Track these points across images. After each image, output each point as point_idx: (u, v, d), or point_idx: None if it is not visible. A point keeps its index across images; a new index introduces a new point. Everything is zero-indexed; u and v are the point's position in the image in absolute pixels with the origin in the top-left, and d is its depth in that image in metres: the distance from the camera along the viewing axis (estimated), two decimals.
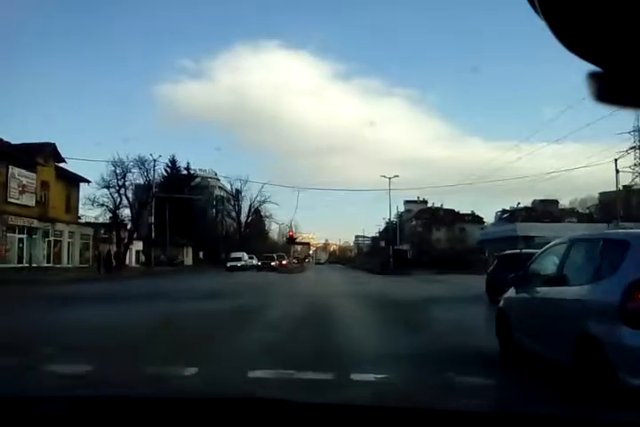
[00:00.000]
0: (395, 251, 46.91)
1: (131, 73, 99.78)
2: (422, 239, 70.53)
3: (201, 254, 61.07)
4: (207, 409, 1.24)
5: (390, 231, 55.42)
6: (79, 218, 41.40)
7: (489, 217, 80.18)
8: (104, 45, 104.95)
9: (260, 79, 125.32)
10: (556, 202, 78.33)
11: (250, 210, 68.94)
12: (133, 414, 1.23)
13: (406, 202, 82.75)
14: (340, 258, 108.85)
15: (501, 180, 54.56)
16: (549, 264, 5.68)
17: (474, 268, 41.14)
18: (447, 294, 17.64)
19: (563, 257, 5.24)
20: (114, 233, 43.17)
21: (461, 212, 79.66)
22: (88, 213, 43.28)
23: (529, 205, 75.92)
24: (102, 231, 42.76)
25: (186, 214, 57.57)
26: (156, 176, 50.82)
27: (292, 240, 49.73)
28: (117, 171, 43.93)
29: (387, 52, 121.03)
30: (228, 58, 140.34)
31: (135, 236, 46.59)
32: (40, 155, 33.86)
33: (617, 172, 44.62)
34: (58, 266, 35.19)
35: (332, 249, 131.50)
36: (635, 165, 57.18)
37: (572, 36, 0.62)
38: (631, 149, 48.28)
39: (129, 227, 46.53)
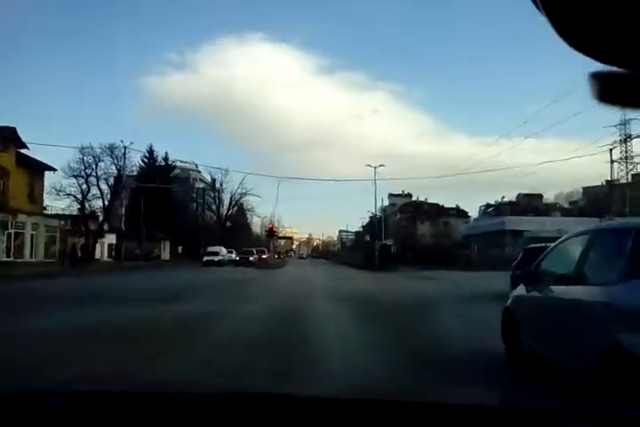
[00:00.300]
0: (380, 246, 44.30)
1: (113, 64, 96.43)
2: (407, 234, 68.17)
3: (179, 249, 57.99)
4: (211, 405, 1.21)
5: (375, 225, 52.90)
6: (44, 209, 38.14)
7: (473, 211, 78.87)
8: (88, 36, 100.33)
9: (245, 72, 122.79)
10: (540, 196, 76.88)
11: (230, 202, 66.02)
12: (140, 410, 1.20)
13: (390, 195, 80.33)
14: (323, 253, 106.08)
15: (486, 171, 52.66)
16: (567, 259, 4.88)
17: (459, 263, 39.18)
18: (449, 295, 14.91)
19: (583, 250, 4.52)
20: (82, 226, 39.93)
21: (446, 206, 77.80)
22: (56, 203, 40.09)
23: (513, 199, 74.43)
24: (69, 223, 39.51)
25: (164, 207, 54.71)
26: (132, 167, 47.75)
27: (272, 233, 46.64)
28: (85, 159, 40.64)
29: (372, 47, 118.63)
30: (212, 50, 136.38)
31: (107, 228, 43.45)
32: None
33: (612, 162, 42.84)
34: (19, 260, 32.10)
35: (315, 244, 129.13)
36: (621, 158, 55.77)
37: (574, 32, 0.61)
38: (616, 142, 46.47)
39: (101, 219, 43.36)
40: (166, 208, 55.64)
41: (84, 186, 40.99)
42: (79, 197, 40.71)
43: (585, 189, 74.24)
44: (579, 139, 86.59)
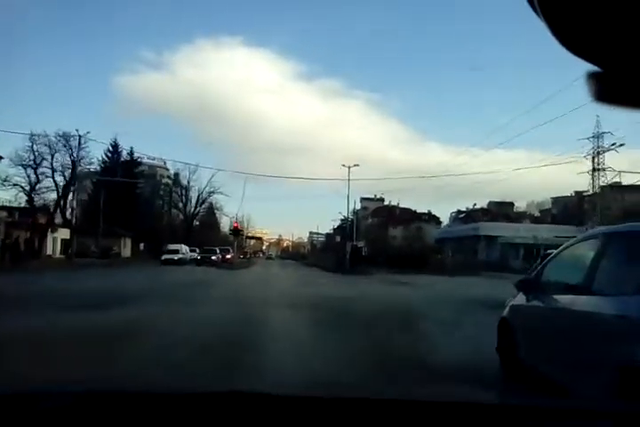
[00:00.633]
0: (352, 247, 41.61)
1: (87, 62, 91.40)
2: (378, 236, 65.83)
3: (142, 246, 54.25)
4: (210, 404, 1.18)
5: (347, 227, 50.26)
6: None
7: (444, 218, 77.54)
8: (61, 33, 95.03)
9: (222, 75, 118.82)
10: (511, 204, 75.94)
11: (198, 200, 62.54)
12: (139, 409, 1.18)
13: (363, 199, 77.96)
14: (292, 254, 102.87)
15: (458, 175, 51.17)
16: (574, 265, 4.33)
17: (432, 267, 37.15)
18: (433, 304, 12.09)
19: (594, 256, 3.88)
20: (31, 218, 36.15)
21: (418, 211, 76.07)
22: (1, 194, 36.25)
23: (485, 206, 73.27)
24: (17, 216, 35.71)
25: (127, 203, 51.23)
26: (91, 159, 44.15)
27: (237, 232, 43.19)
28: (36, 147, 36.88)
29: (350, 56, 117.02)
30: (189, 51, 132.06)
31: (61, 223, 39.73)
32: None
33: (594, 170, 41.21)
34: None
35: (285, 245, 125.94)
36: (594, 169, 54.88)
37: (572, 36, 0.60)
38: (589, 154, 44.93)
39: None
40: (130, 205, 52.23)
41: (33, 176, 37.10)
42: (28, 188, 36.82)
43: (554, 199, 73.81)
44: (547, 150, 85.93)
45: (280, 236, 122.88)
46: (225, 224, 78.72)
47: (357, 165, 42.02)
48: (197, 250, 46.58)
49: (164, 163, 65.38)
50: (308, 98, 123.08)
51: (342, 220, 64.41)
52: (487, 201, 73.52)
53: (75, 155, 38.74)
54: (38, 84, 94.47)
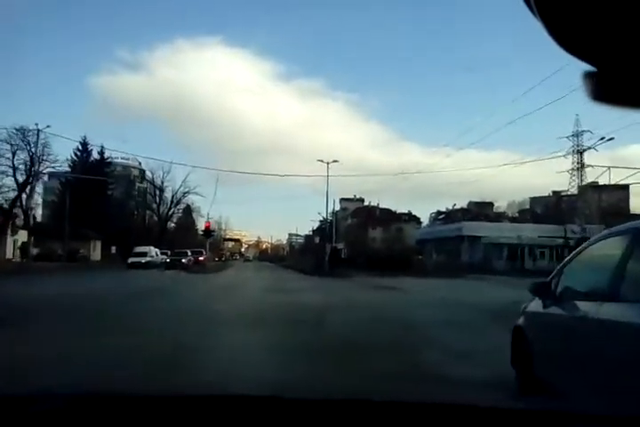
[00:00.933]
0: (331, 249, 39.31)
1: (62, 61, 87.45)
2: (358, 238, 63.70)
3: (113, 249, 51.21)
4: (206, 407, 1.17)
5: (326, 228, 47.95)
6: None
7: (423, 218, 75.79)
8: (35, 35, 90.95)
9: (200, 75, 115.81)
10: (491, 204, 74.57)
11: (172, 201, 59.57)
12: (133, 412, 1.16)
13: (342, 200, 75.86)
14: (271, 256, 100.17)
15: (436, 171, 49.69)
16: (598, 267, 3.65)
17: (414, 269, 35.13)
18: (435, 317, 9.72)
19: (622, 256, 3.21)
20: None
21: (398, 211, 74.21)
22: None
23: (464, 206, 71.76)
24: None
25: (97, 205, 48.27)
26: (56, 157, 41.06)
27: (208, 233, 40.40)
28: None
29: (329, 57, 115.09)
30: (167, 51, 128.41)
31: (22, 224, 36.69)
32: None
33: (582, 166, 39.61)
34: None
35: (264, 247, 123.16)
36: (573, 169, 53.72)
37: (568, 35, 0.61)
38: (569, 153, 43.49)
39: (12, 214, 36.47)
40: (101, 206, 49.37)
41: None
42: None
43: (532, 199, 72.79)
44: (525, 150, 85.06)
45: (259, 238, 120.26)
46: (202, 226, 75.96)
47: (337, 161, 39.65)
48: (169, 252, 43.78)
49: (140, 163, 62.51)
50: (287, 98, 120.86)
51: (321, 221, 62.22)
52: (467, 201, 72.23)
53: (33, 150, 35.80)
54: (8, 83, 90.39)
